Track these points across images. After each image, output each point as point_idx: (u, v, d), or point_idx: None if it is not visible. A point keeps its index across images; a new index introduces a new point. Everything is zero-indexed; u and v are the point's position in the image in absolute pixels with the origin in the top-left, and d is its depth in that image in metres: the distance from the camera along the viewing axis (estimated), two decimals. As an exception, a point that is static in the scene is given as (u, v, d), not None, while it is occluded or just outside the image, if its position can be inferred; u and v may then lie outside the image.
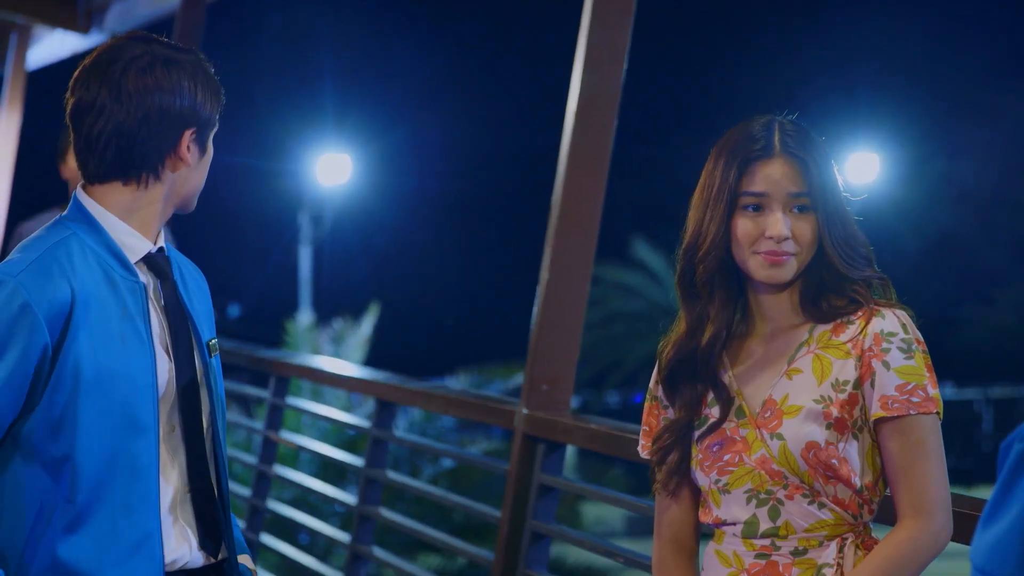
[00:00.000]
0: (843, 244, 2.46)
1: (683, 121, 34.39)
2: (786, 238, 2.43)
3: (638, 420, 3.73)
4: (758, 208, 2.45)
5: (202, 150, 2.62)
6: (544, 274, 4.48)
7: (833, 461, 2.40)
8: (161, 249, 2.63)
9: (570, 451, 4.59)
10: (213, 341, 2.70)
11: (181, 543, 2.61)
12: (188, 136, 2.57)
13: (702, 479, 2.51)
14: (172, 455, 2.60)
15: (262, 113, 32.49)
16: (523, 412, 4.40)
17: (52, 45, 9.69)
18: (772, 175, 2.44)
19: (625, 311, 28.72)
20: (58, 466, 2.48)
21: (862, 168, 26.91)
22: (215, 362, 2.70)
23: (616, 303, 28.57)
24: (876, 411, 2.39)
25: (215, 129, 2.65)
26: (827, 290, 2.47)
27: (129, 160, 2.56)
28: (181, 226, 7.08)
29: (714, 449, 2.49)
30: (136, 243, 2.58)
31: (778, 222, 2.43)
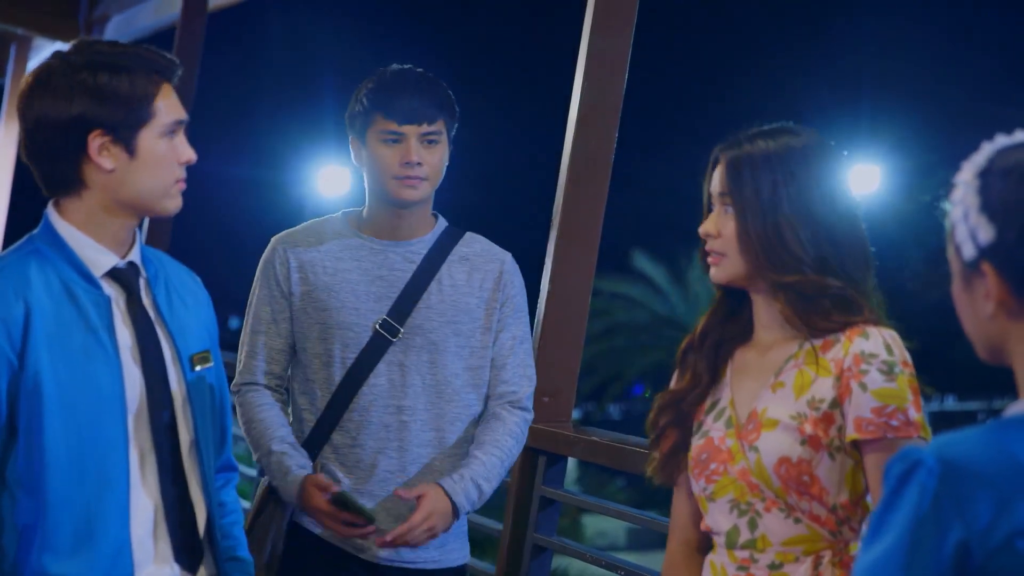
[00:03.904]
0: (765, 247, 2.43)
1: (685, 132, 34.40)
2: (709, 235, 2.50)
3: (640, 432, 3.71)
4: (712, 208, 2.53)
5: (130, 149, 2.50)
6: (545, 286, 4.47)
7: (804, 478, 2.38)
8: (132, 263, 2.58)
9: (571, 463, 4.57)
10: (201, 354, 2.65)
11: (161, 564, 2.57)
12: (95, 139, 2.49)
13: (694, 485, 2.52)
14: (147, 470, 2.56)
15: (263, 124, 32.52)
16: (524, 424, 4.39)
17: (52, 57, 9.68)
18: (715, 176, 2.51)
19: (626, 323, 28.70)
20: (31, 484, 2.46)
21: (864, 179, 26.92)
22: (206, 375, 2.65)
23: (617, 315, 28.55)
24: (851, 433, 2.37)
25: (160, 123, 2.52)
26: (814, 303, 2.44)
27: (46, 174, 2.54)
28: (182, 236, 7.08)
29: (702, 458, 2.49)
30: (100, 256, 2.54)
31: (708, 220, 2.51)
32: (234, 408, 3.29)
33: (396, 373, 3.28)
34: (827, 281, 2.43)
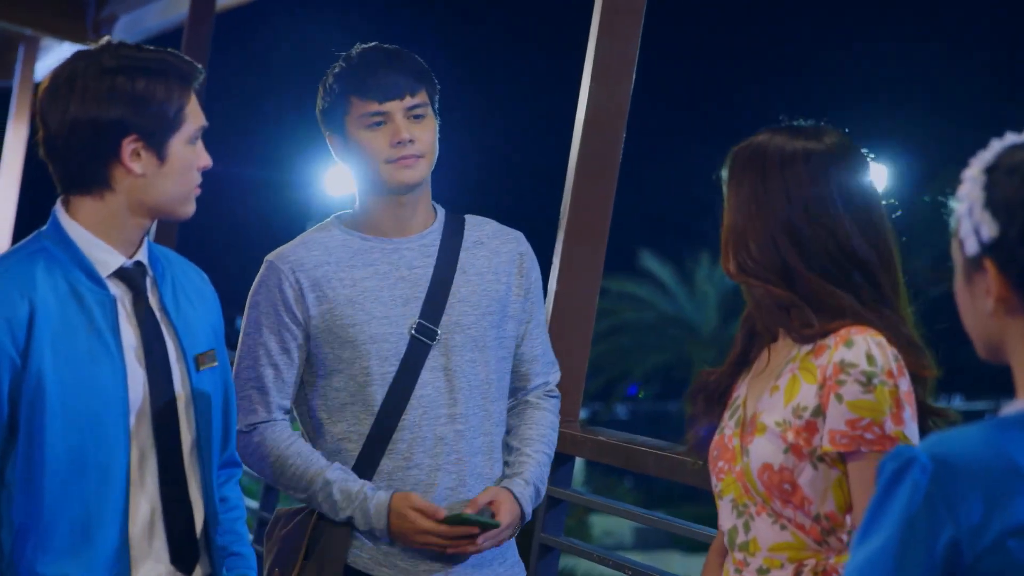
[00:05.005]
0: (742, 249, 2.40)
1: (693, 133, 34.40)
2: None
3: (646, 432, 3.72)
4: None
5: (160, 155, 2.51)
6: (552, 286, 4.47)
7: (786, 486, 2.34)
8: (139, 263, 2.58)
9: (578, 463, 4.57)
10: (207, 353, 2.63)
11: (156, 564, 2.57)
12: (129, 144, 2.49)
13: (711, 481, 2.51)
14: (147, 471, 2.56)
15: (271, 124, 32.56)
16: (531, 424, 4.38)
17: (60, 57, 9.65)
18: None
19: (633, 322, 28.70)
20: (29, 483, 2.46)
21: (872, 180, 26.87)
22: (209, 375, 2.63)
23: (624, 314, 28.55)
24: (824, 444, 2.31)
25: (188, 130, 2.53)
26: (776, 313, 2.41)
27: (70, 174, 2.54)
28: (189, 236, 7.08)
29: (714, 454, 2.48)
30: (107, 256, 2.54)
31: None
32: (244, 452, 3.06)
33: (441, 379, 3.00)
34: (779, 292, 2.38)
